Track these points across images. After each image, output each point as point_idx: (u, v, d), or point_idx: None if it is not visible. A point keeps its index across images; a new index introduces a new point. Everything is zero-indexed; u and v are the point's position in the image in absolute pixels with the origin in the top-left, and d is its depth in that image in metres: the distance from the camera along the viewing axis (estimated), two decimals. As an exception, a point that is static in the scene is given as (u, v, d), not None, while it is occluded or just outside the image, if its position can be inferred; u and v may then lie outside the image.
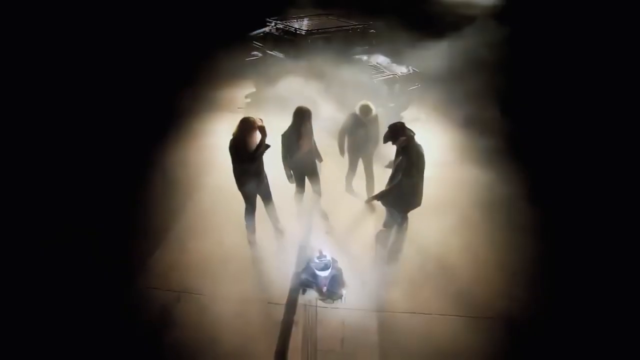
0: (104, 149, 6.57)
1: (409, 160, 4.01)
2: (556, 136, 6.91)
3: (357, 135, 4.97)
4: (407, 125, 4.17)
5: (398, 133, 4.09)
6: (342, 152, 5.24)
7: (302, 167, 4.77)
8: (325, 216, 5.25)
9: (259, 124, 4.05)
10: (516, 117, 7.41)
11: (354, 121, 4.92)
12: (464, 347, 3.61)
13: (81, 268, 4.36)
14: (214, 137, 7.19)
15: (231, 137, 4.08)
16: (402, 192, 4.14)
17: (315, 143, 4.84)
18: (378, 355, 3.56)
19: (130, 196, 5.50)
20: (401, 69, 7.34)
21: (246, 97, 8.82)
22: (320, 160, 4.99)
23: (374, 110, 4.86)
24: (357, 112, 4.83)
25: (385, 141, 4.22)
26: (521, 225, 5.02)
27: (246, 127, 3.98)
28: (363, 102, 4.85)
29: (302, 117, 4.44)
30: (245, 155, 4.07)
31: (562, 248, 4.68)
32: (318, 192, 5.10)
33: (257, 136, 4.06)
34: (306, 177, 4.95)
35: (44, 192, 5.54)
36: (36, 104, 7.86)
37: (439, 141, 7.02)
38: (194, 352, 3.56)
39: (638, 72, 8.25)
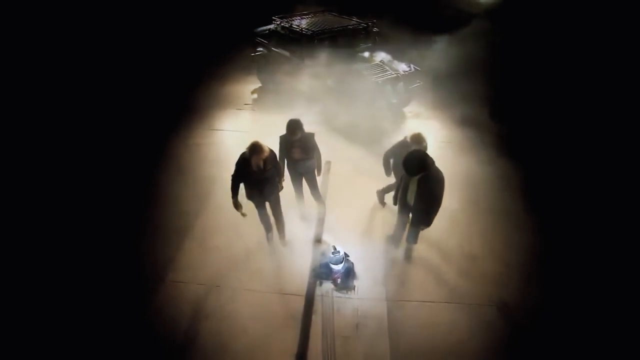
0: (119, 147, 6.87)
1: (437, 189, 4.11)
2: (546, 134, 7.30)
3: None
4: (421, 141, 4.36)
5: (427, 164, 3.99)
6: (387, 173, 5.10)
7: (298, 172, 5.06)
8: (323, 217, 5.48)
9: (265, 154, 4.17)
10: (508, 117, 7.80)
11: (401, 147, 4.68)
12: (463, 332, 4.12)
13: (113, 265, 4.74)
14: (225, 134, 7.54)
15: (242, 153, 4.27)
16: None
17: (318, 156, 4.99)
18: (388, 338, 4.05)
19: (153, 195, 5.85)
20: (403, 67, 7.62)
21: (252, 92, 9.09)
22: (318, 174, 5.17)
23: (426, 141, 4.58)
24: (408, 139, 4.60)
25: (417, 174, 4.04)
26: (514, 217, 5.49)
27: (254, 151, 4.11)
28: (416, 131, 4.63)
29: (290, 129, 4.63)
30: (247, 174, 4.29)
31: (554, 240, 5.14)
32: (316, 197, 5.36)
33: (261, 161, 4.20)
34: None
35: (68, 190, 5.86)
36: (58, 106, 8.02)
37: (437, 136, 7.45)
38: (226, 341, 3.99)
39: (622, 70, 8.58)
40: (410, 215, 4.54)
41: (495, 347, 3.99)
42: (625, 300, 4.38)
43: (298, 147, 4.77)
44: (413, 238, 4.74)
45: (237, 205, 4.42)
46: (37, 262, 4.78)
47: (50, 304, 4.32)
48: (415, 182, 4.16)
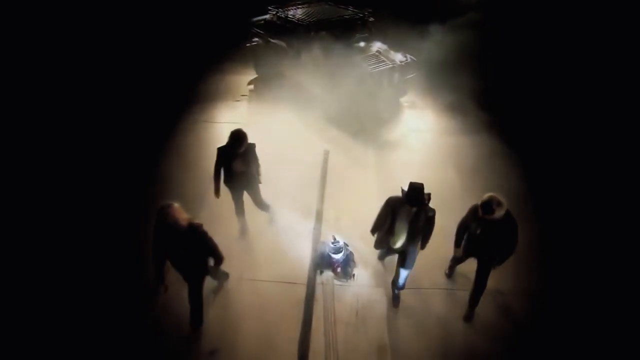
0: (119, 146, 6.87)
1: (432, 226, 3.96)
2: (539, 122, 7.46)
3: (475, 234, 3.96)
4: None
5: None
6: (458, 244, 4.25)
7: (238, 186, 4.83)
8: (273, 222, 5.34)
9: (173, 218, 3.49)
10: (502, 106, 7.95)
11: (474, 217, 3.91)
12: (460, 318, 4.30)
13: (122, 254, 4.83)
14: (223, 127, 7.57)
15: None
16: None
17: (257, 167, 4.80)
18: (387, 324, 4.22)
19: (154, 191, 5.86)
20: (399, 57, 7.65)
21: (249, 83, 9.08)
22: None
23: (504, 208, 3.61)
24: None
25: (419, 204, 3.76)
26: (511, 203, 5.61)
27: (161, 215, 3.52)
28: (490, 194, 3.67)
29: (236, 140, 4.38)
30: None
31: (552, 228, 5.29)
32: (260, 206, 5.14)
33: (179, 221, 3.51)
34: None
35: (71, 187, 5.91)
36: (57, 104, 7.93)
37: (433, 124, 7.61)
38: (229, 329, 4.13)
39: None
40: (397, 257, 4.22)
41: (491, 333, 4.16)
42: (623, 288, 4.52)
43: (240, 159, 4.51)
44: (403, 281, 4.28)
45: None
46: (42, 258, 4.84)
47: (56, 299, 4.40)
48: (407, 222, 3.85)
